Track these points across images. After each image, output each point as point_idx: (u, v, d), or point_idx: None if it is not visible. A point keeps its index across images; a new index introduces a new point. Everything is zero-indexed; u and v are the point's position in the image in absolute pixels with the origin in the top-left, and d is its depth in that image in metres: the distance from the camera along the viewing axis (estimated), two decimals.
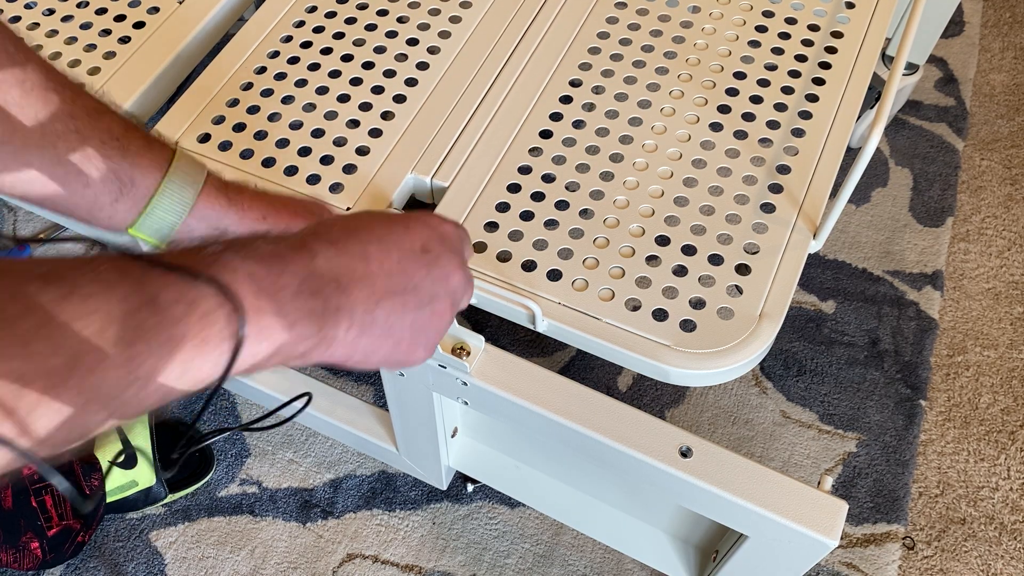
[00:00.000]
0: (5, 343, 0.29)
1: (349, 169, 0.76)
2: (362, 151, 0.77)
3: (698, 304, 0.68)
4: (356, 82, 0.82)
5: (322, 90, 0.81)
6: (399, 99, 0.81)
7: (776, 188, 0.74)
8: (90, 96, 0.52)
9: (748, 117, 0.78)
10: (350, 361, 0.44)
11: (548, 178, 0.75)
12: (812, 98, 0.80)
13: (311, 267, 0.40)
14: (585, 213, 0.73)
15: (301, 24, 0.87)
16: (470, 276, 0.50)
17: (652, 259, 0.70)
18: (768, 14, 0.86)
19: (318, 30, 0.86)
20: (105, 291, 0.32)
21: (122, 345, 0.32)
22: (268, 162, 0.77)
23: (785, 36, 0.85)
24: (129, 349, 0.32)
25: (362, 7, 0.88)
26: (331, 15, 0.88)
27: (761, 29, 0.85)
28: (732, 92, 0.80)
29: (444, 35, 0.86)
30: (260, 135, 0.79)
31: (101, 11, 0.88)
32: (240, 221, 0.56)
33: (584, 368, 1.14)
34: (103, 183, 0.51)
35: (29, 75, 0.48)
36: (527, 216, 0.73)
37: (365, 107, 0.80)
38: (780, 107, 0.79)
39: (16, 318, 0.30)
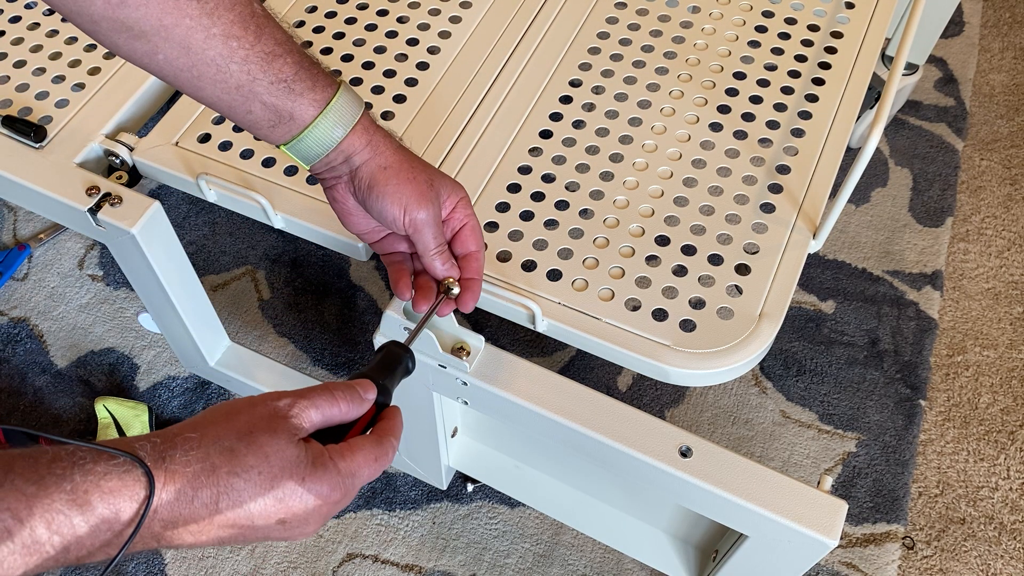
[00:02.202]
0: None
1: None
2: None
3: (698, 304, 0.68)
4: (356, 82, 0.82)
5: None
6: (399, 99, 0.81)
7: (776, 188, 0.74)
8: (270, 38, 0.55)
9: (748, 117, 0.78)
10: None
11: (548, 178, 0.75)
12: (812, 98, 0.80)
13: (124, 535, 0.42)
14: (585, 213, 0.73)
15: (301, 24, 0.87)
16: (330, 515, 0.50)
17: (652, 259, 0.70)
18: (768, 14, 0.87)
19: (318, 30, 0.86)
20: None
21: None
22: (268, 162, 0.77)
23: (785, 36, 0.85)
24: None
25: (362, 7, 0.88)
26: (331, 15, 0.88)
27: (761, 29, 0.85)
28: (732, 92, 0.80)
29: (444, 35, 0.86)
30: None
31: None
32: (367, 163, 0.59)
33: (584, 368, 1.14)
34: (264, 113, 0.56)
35: (215, 22, 0.53)
36: (527, 216, 0.73)
37: (365, 107, 0.80)
38: (780, 107, 0.79)
39: None
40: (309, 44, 0.85)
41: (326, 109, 0.57)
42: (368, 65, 0.83)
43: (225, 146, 0.78)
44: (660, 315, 0.67)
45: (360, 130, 0.58)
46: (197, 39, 0.53)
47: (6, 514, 0.38)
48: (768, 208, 0.73)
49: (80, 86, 0.83)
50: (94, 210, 0.75)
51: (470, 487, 1.05)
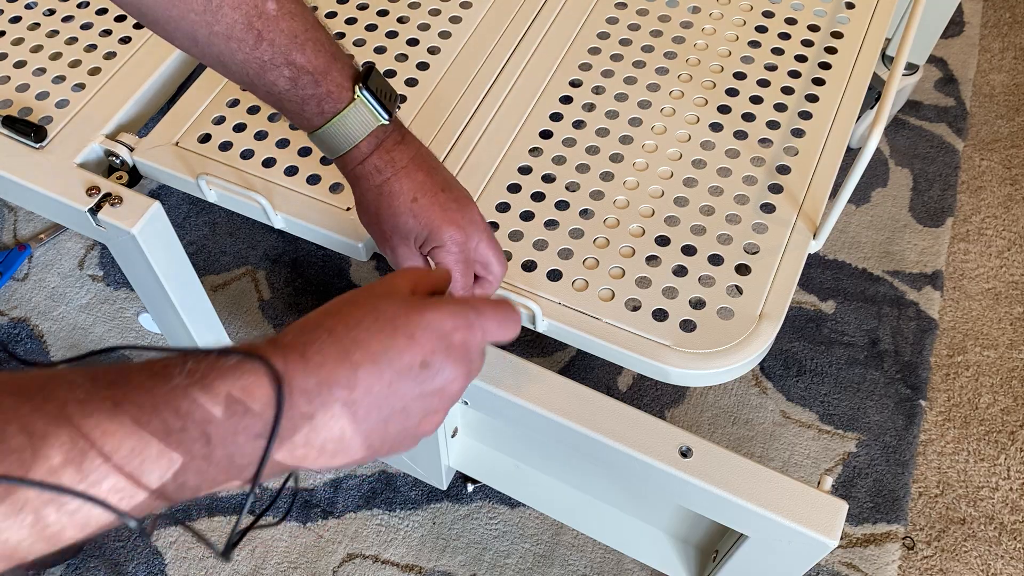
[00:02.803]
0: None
1: None
2: None
3: (698, 304, 0.68)
4: None
5: None
6: (399, 99, 0.81)
7: (776, 188, 0.74)
8: (268, 47, 0.55)
9: (748, 117, 0.78)
10: (320, 471, 0.43)
11: (548, 178, 0.75)
12: (812, 98, 0.80)
13: (287, 406, 0.38)
14: (585, 213, 0.73)
15: None
16: (478, 370, 0.46)
17: (652, 259, 0.70)
18: (768, 14, 0.86)
19: None
20: (34, 448, 0.32)
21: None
22: (268, 162, 0.77)
23: (785, 36, 0.85)
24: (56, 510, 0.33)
25: (362, 7, 0.88)
26: (331, 15, 0.88)
27: (761, 29, 0.85)
28: (732, 92, 0.80)
29: (444, 35, 0.86)
30: (260, 135, 0.79)
31: (101, 11, 0.88)
32: (380, 171, 0.59)
33: (584, 368, 1.14)
34: (290, 102, 0.57)
35: (218, 20, 0.54)
36: (527, 216, 0.73)
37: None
38: (780, 107, 0.79)
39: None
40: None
41: (312, 136, 0.59)
42: None
43: (225, 146, 0.78)
44: (660, 315, 0.67)
45: (372, 140, 0.58)
46: (201, 34, 0.54)
47: (125, 416, 0.34)
48: (768, 208, 0.73)
49: (80, 86, 0.83)
50: (94, 210, 0.75)
51: (470, 487, 1.05)
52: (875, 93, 1.25)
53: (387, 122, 0.58)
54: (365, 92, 0.57)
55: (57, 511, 0.32)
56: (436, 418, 0.44)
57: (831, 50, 0.83)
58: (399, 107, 0.66)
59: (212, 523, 1.03)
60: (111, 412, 0.34)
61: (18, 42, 0.86)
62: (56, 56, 0.85)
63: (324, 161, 0.76)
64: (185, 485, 0.36)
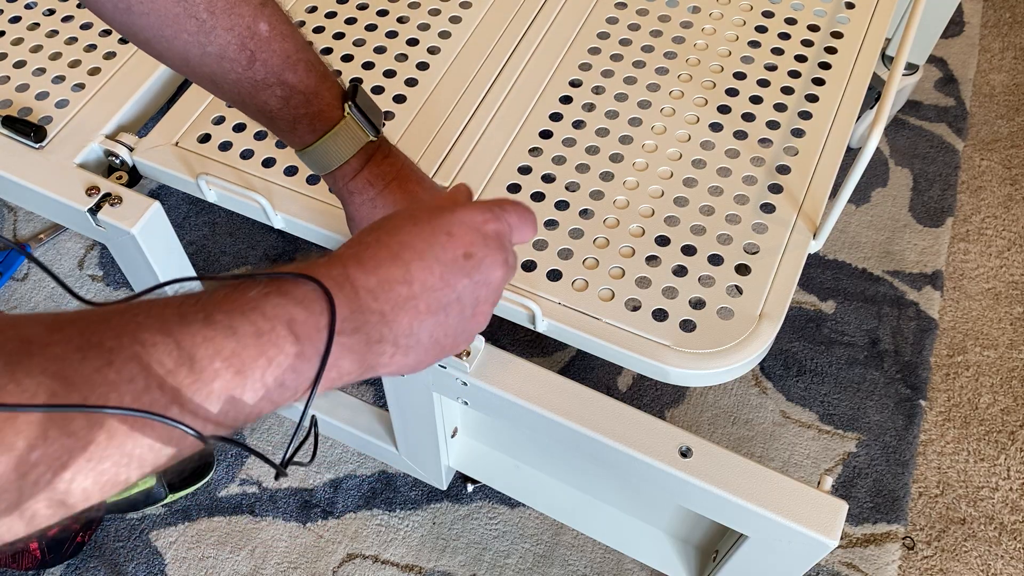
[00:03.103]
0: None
1: None
2: None
3: (698, 304, 0.68)
4: (356, 83, 0.82)
5: None
6: (399, 99, 0.81)
7: (776, 188, 0.74)
8: (262, 67, 0.56)
9: (748, 117, 0.78)
10: (396, 374, 0.45)
11: (548, 178, 0.75)
12: (812, 98, 0.80)
13: (354, 305, 0.41)
14: (585, 213, 0.73)
15: (301, 24, 0.87)
16: (514, 264, 0.49)
17: (652, 259, 0.70)
18: (768, 14, 0.86)
19: (318, 30, 0.86)
20: (142, 359, 0.34)
21: (167, 400, 0.34)
22: (268, 162, 0.77)
23: (785, 36, 0.85)
24: (178, 402, 0.34)
25: (362, 7, 0.88)
26: (331, 15, 0.88)
27: (761, 29, 0.85)
28: (732, 92, 0.80)
29: (444, 35, 0.86)
30: (260, 135, 0.79)
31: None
32: (372, 184, 0.60)
33: (584, 368, 1.14)
34: (282, 121, 0.58)
35: (211, 40, 0.54)
36: None
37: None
38: (780, 107, 0.79)
39: (109, 353, 0.33)
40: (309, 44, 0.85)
41: (302, 152, 0.60)
42: (368, 65, 0.83)
43: (225, 146, 0.78)
44: (660, 315, 0.67)
45: (355, 163, 0.60)
46: (194, 54, 0.55)
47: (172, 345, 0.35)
48: (768, 208, 0.73)
49: (80, 86, 0.83)
50: (94, 210, 0.75)
51: (470, 487, 1.04)
52: (875, 93, 1.25)
53: (375, 138, 0.60)
54: (354, 109, 0.58)
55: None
56: (486, 308, 0.47)
57: (831, 50, 0.83)
58: (384, 124, 0.66)
59: (212, 523, 1.03)
60: (205, 322, 0.36)
61: (18, 42, 0.86)
62: (56, 56, 0.85)
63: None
64: (285, 385, 0.38)
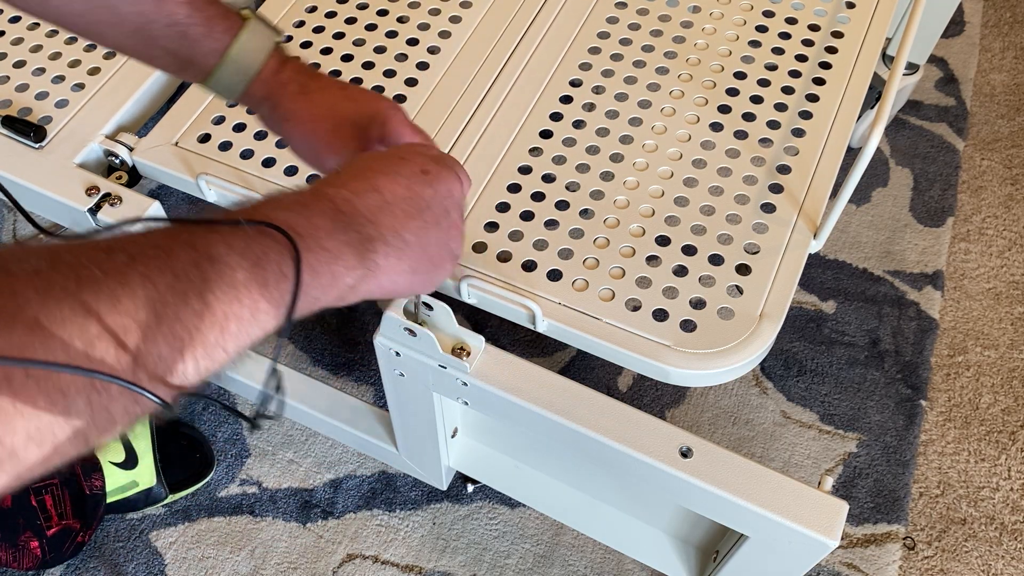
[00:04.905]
0: (96, 301, 0.32)
1: None
2: None
3: (698, 304, 0.68)
4: (356, 82, 0.82)
5: None
6: (399, 99, 0.81)
7: (776, 188, 0.74)
8: None
9: (748, 117, 0.78)
10: (398, 288, 0.48)
11: (548, 178, 0.75)
12: (812, 98, 0.80)
13: (335, 209, 0.44)
14: (585, 213, 0.73)
15: (301, 24, 0.87)
16: (467, 184, 0.54)
17: (652, 259, 0.70)
18: (768, 14, 0.86)
19: (318, 30, 0.86)
20: (165, 254, 0.36)
21: (194, 295, 0.35)
22: (268, 162, 0.77)
23: (785, 36, 0.85)
24: (201, 299, 0.35)
25: (362, 7, 0.88)
26: (331, 15, 0.88)
27: (761, 29, 0.85)
28: (732, 92, 0.80)
29: (444, 35, 0.86)
30: (260, 135, 0.79)
31: None
32: (273, 112, 0.59)
33: (584, 368, 1.14)
34: (167, 59, 0.56)
35: None
36: (527, 216, 0.73)
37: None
38: (780, 107, 0.79)
39: (96, 281, 0.33)
40: (309, 44, 0.85)
41: (223, 60, 0.56)
42: (368, 65, 0.83)
43: (225, 146, 0.78)
44: (660, 315, 0.67)
45: (266, 75, 0.58)
46: None
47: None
48: (769, 208, 0.73)
49: (80, 86, 0.83)
50: (94, 210, 0.75)
51: (470, 487, 1.04)
52: (875, 93, 1.25)
53: (283, 39, 0.59)
54: (249, 10, 0.58)
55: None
56: (456, 219, 0.52)
57: (831, 50, 0.83)
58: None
59: (212, 523, 1.03)
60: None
61: (18, 42, 0.86)
62: (56, 56, 0.85)
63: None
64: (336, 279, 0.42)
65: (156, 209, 0.76)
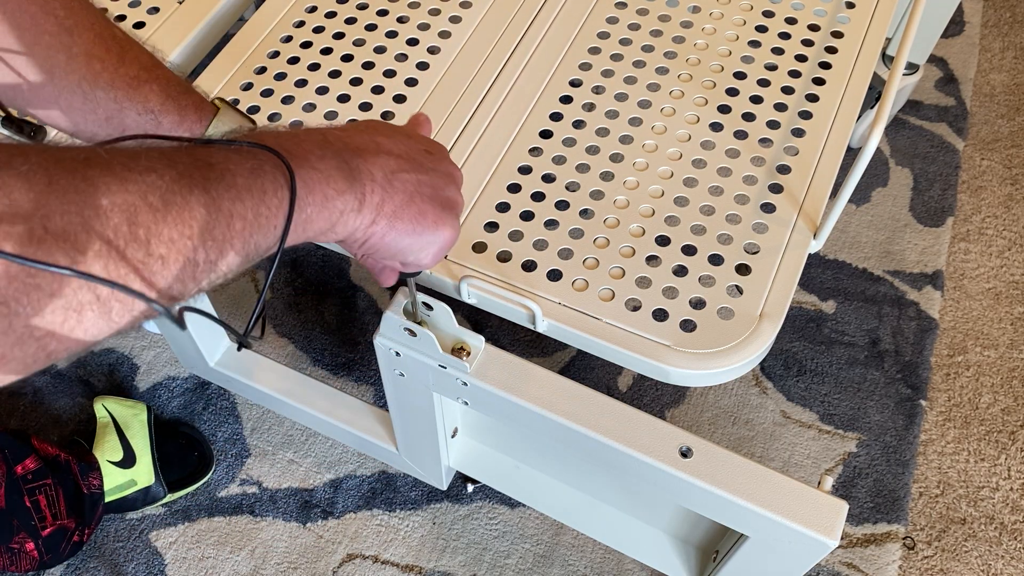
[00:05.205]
0: (104, 176, 0.32)
1: None
2: None
3: (698, 304, 0.68)
4: (356, 82, 0.82)
5: (322, 90, 0.81)
6: (399, 99, 0.81)
7: (776, 188, 0.74)
8: (134, 62, 0.54)
9: (748, 117, 0.78)
10: (397, 241, 0.48)
11: (548, 178, 0.75)
12: (812, 98, 0.80)
13: (327, 140, 0.45)
14: (585, 213, 0.73)
15: (301, 24, 0.87)
16: (460, 178, 0.55)
17: (652, 259, 0.70)
18: (768, 14, 0.86)
19: (318, 30, 0.86)
20: (168, 157, 0.36)
21: (199, 189, 0.35)
22: None
23: (785, 36, 0.85)
24: (206, 193, 0.36)
25: (362, 7, 0.88)
26: (331, 15, 0.88)
27: (761, 29, 0.85)
28: (732, 92, 0.80)
29: (444, 35, 0.86)
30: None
31: (100, 10, 0.88)
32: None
33: (584, 368, 1.14)
34: (168, 116, 0.56)
35: (76, 41, 0.51)
36: (527, 216, 0.73)
37: (365, 107, 0.80)
38: (780, 107, 0.79)
39: (105, 162, 0.33)
40: (309, 44, 0.85)
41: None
42: (368, 65, 0.83)
43: None
44: (660, 315, 0.67)
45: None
46: (60, 60, 0.51)
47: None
48: (768, 208, 0.73)
49: None
50: None
51: (470, 487, 1.04)
52: (875, 93, 1.25)
53: (253, 127, 0.60)
54: (220, 99, 0.60)
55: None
56: (454, 197, 0.52)
57: (831, 50, 0.83)
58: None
59: (212, 523, 1.03)
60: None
61: None
62: None
63: None
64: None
65: None
